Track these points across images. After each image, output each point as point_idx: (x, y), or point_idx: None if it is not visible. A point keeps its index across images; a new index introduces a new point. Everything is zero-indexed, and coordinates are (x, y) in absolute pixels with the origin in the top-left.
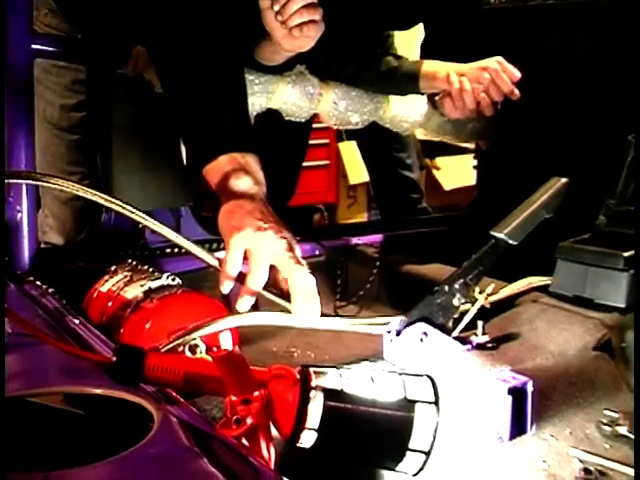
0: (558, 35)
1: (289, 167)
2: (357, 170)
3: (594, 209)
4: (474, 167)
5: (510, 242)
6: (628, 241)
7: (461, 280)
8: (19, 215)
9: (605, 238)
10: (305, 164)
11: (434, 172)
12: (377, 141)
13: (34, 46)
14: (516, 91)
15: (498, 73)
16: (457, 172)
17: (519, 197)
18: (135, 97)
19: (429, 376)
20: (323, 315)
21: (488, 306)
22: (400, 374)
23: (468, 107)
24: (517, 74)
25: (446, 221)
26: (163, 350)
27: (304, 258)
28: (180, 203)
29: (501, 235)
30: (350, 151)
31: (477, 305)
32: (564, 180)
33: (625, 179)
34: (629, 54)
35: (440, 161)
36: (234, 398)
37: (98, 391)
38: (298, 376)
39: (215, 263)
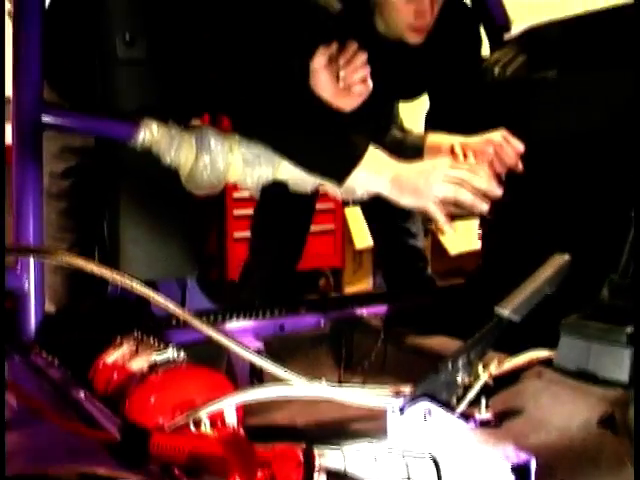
0: (561, 108)
1: (296, 235)
2: (363, 235)
3: (598, 281)
4: (479, 235)
5: (514, 319)
6: (631, 315)
7: (465, 357)
8: (26, 285)
9: (608, 312)
10: (311, 229)
11: (439, 236)
12: (381, 209)
13: (45, 119)
14: (520, 165)
15: (502, 146)
16: (463, 236)
17: (523, 268)
18: (144, 167)
19: (433, 458)
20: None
21: (491, 383)
22: (404, 456)
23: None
24: (521, 147)
25: (450, 292)
26: (168, 429)
27: (308, 330)
28: (186, 273)
29: (505, 312)
30: (356, 216)
31: (480, 382)
32: (567, 257)
33: (628, 253)
34: (632, 128)
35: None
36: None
37: (102, 471)
38: (301, 456)
39: (217, 337)
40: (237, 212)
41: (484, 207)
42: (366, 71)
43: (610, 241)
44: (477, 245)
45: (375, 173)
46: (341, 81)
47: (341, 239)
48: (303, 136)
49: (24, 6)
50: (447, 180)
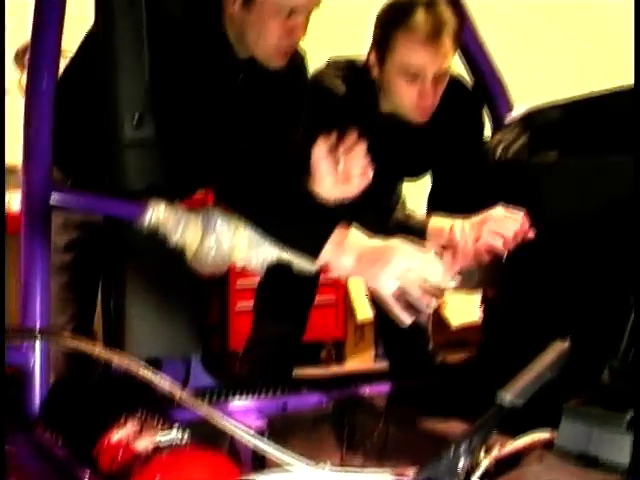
0: (562, 191)
1: (299, 313)
2: (365, 307)
3: (599, 365)
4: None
5: (516, 405)
6: (631, 400)
7: (467, 442)
8: (31, 362)
9: (608, 397)
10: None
11: (441, 309)
12: None
13: (54, 198)
14: (528, 234)
15: (501, 221)
16: (464, 309)
17: (523, 348)
18: (150, 246)
19: None
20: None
21: (492, 469)
22: None
23: (465, 256)
24: (520, 215)
25: (452, 370)
26: None
27: (310, 409)
28: (190, 352)
29: (507, 398)
30: (358, 288)
31: (482, 467)
32: (567, 343)
33: (628, 338)
34: (632, 213)
35: (447, 297)
36: None
37: None
38: None
39: (218, 420)
40: (240, 284)
41: (428, 307)
42: (365, 161)
43: (610, 326)
44: (478, 317)
45: (341, 252)
46: (340, 172)
47: (343, 311)
48: (280, 219)
49: (35, 86)
50: (396, 274)
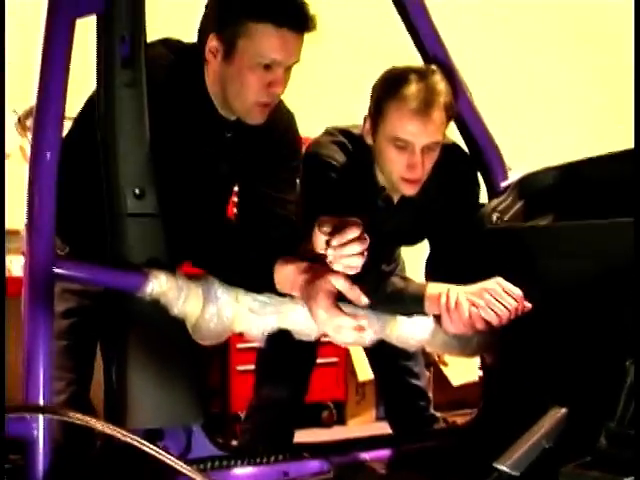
0: (558, 256)
1: (301, 374)
2: (366, 367)
3: (595, 430)
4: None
5: (513, 474)
6: (629, 464)
7: None
8: (35, 433)
9: (606, 461)
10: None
11: (442, 367)
12: (384, 349)
13: (56, 270)
14: (524, 307)
15: (497, 293)
16: (465, 367)
17: (522, 412)
18: (151, 316)
19: None
20: None
21: None
22: None
23: (462, 320)
24: (518, 292)
25: (452, 434)
26: None
27: (312, 476)
28: (192, 421)
29: (504, 467)
30: (359, 348)
31: None
32: (564, 410)
33: (624, 402)
34: (630, 275)
35: (448, 356)
36: None
37: None
38: None
39: None
40: (240, 345)
41: None
42: (356, 261)
43: (606, 389)
44: (479, 377)
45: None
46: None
47: (344, 371)
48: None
49: (38, 161)
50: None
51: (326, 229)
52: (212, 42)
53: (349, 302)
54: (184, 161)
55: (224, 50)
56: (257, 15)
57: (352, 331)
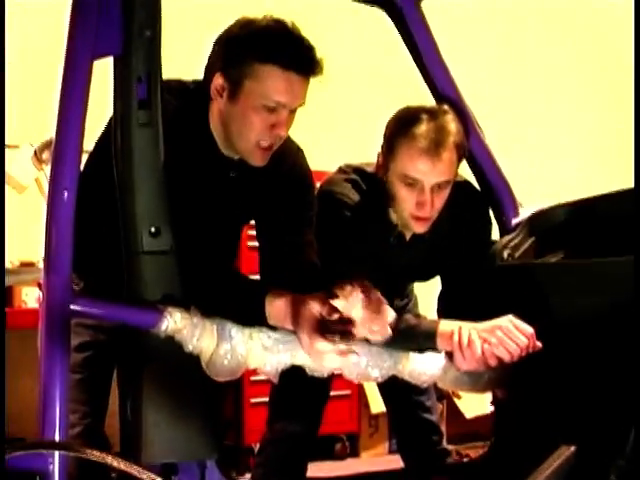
0: (569, 292)
1: (314, 408)
2: (379, 400)
3: (605, 468)
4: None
5: None
6: None
7: None
8: (50, 467)
9: None
10: None
11: (455, 400)
12: (396, 384)
13: (73, 307)
14: (535, 345)
15: (510, 330)
16: (478, 400)
17: (533, 448)
18: (166, 352)
19: None
20: None
21: None
22: None
23: (474, 358)
24: (530, 330)
25: (465, 469)
26: None
27: None
28: (206, 456)
29: None
30: None
31: None
32: (572, 448)
33: (634, 440)
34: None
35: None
36: None
37: None
38: None
39: None
40: (254, 377)
41: None
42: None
43: (616, 427)
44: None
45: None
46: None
47: (357, 404)
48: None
49: (56, 199)
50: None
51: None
52: (218, 80)
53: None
54: (188, 201)
55: (229, 89)
56: (264, 56)
57: (336, 356)
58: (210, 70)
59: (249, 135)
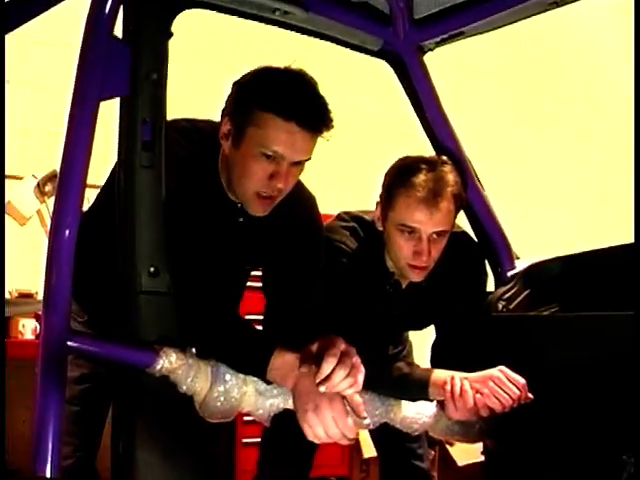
0: (562, 344)
1: (306, 453)
2: (371, 443)
3: None
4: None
5: None
6: None
7: None
8: None
9: None
10: None
11: (447, 447)
12: (388, 430)
13: (70, 344)
14: (525, 396)
15: (502, 381)
16: (471, 447)
17: None
18: (161, 392)
19: None
20: None
21: None
22: None
23: (466, 407)
24: (521, 381)
25: None
26: None
27: None
28: None
29: None
30: None
31: None
32: None
33: None
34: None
35: None
36: None
37: None
38: None
39: None
40: (247, 417)
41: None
42: (345, 386)
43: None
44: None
45: (281, 380)
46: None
47: (349, 447)
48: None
49: (57, 238)
50: (310, 422)
51: (304, 370)
52: (226, 125)
53: None
54: (195, 244)
55: (234, 134)
56: (266, 105)
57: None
58: (223, 113)
59: (247, 183)
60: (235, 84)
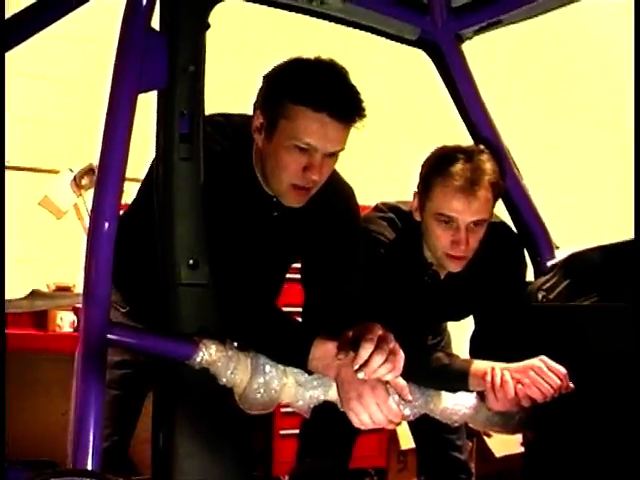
0: (603, 335)
1: (344, 444)
2: (408, 435)
3: None
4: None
5: None
6: None
7: None
8: None
9: None
10: None
11: (485, 438)
12: (427, 421)
13: (110, 336)
14: (567, 386)
15: (542, 371)
16: (509, 438)
17: None
18: (201, 384)
19: None
20: None
21: None
22: None
23: (507, 398)
24: (562, 371)
25: None
26: None
27: None
28: None
29: None
30: None
31: None
32: None
33: None
34: None
35: None
36: None
37: None
38: None
39: None
40: (285, 409)
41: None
42: (383, 372)
43: None
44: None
45: (323, 370)
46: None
47: (386, 438)
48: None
49: (96, 232)
50: (355, 410)
51: (341, 356)
52: (258, 119)
53: None
54: (231, 238)
55: (266, 128)
56: (297, 97)
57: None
58: (255, 106)
59: (281, 175)
60: (265, 77)
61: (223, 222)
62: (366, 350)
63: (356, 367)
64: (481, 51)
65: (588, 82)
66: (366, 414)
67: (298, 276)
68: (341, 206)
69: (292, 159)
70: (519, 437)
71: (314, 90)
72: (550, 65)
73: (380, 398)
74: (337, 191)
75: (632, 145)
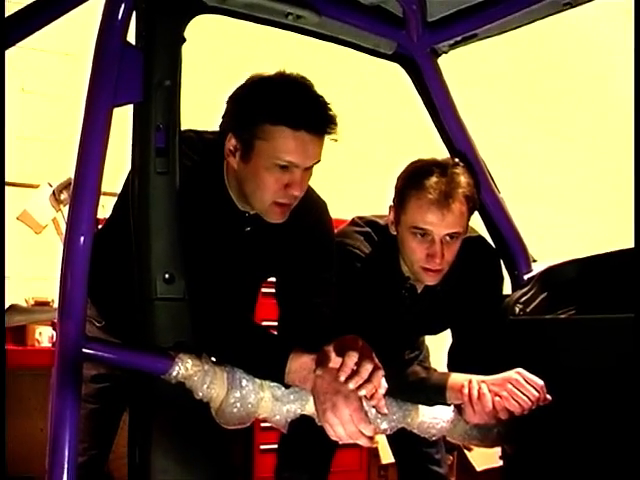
0: (580, 347)
1: (323, 458)
2: (389, 449)
3: None
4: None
5: None
6: None
7: None
8: None
9: None
10: None
11: (465, 452)
12: (405, 435)
13: (85, 350)
14: (544, 397)
15: (520, 383)
16: (489, 452)
17: None
18: (177, 398)
19: None
20: None
21: None
22: None
23: (485, 411)
24: (539, 383)
25: None
26: None
27: None
28: None
29: None
30: None
31: None
32: None
33: None
34: None
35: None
36: None
37: None
38: None
39: None
40: (264, 424)
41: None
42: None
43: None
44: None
45: (300, 383)
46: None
47: (367, 453)
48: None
49: (72, 246)
50: (329, 421)
51: (319, 372)
52: (231, 141)
53: None
54: (205, 254)
55: (241, 150)
56: (274, 118)
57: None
58: (223, 129)
59: (263, 195)
60: (233, 99)
61: (196, 237)
62: (352, 359)
63: (343, 378)
64: (462, 63)
65: (568, 95)
66: (340, 426)
67: (273, 290)
68: (314, 220)
69: (274, 178)
70: (499, 450)
71: (288, 109)
72: (529, 78)
73: (353, 408)
74: (310, 206)
75: (632, 150)
